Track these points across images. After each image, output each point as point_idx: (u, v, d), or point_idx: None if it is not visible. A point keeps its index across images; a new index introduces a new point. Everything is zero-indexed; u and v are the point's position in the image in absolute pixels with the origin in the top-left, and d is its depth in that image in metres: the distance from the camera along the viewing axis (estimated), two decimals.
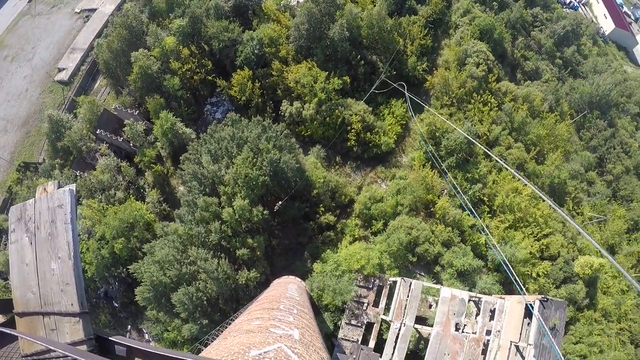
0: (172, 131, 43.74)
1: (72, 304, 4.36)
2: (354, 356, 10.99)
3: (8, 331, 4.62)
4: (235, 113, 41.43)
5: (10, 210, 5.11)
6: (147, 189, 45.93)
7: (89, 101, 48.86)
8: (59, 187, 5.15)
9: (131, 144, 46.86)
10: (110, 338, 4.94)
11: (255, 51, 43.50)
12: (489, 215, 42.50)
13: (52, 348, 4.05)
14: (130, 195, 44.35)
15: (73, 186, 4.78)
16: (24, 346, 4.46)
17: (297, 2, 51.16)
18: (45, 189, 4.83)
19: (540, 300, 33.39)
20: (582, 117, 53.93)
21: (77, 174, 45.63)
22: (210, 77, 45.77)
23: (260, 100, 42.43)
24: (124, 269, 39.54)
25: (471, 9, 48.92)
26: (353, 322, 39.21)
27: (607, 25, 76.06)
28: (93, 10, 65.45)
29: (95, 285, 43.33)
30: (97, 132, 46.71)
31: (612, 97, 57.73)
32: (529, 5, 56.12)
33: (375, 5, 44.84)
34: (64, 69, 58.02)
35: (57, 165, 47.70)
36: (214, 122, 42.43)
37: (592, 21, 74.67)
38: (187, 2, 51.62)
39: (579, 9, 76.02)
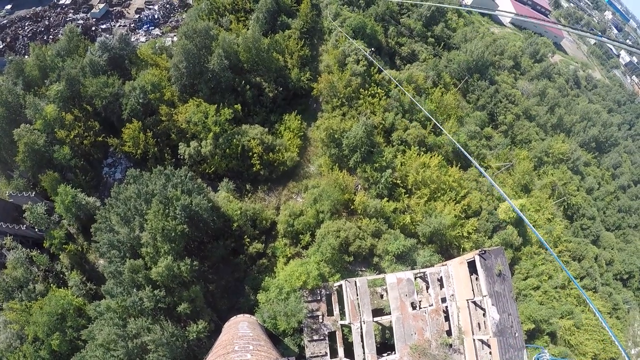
0: (74, 204, 40.86)
1: None
2: None
3: None
4: (134, 169, 39.60)
5: None
6: (66, 273, 42.06)
7: None
8: None
9: (36, 229, 42.81)
10: None
11: (140, 100, 42.15)
12: (406, 195, 45.05)
13: None
14: (51, 285, 40.39)
15: None
16: None
17: (172, 41, 50.60)
18: None
19: (478, 254, 35.60)
20: (464, 83, 59.61)
21: None
22: (100, 138, 43.43)
23: (156, 149, 41.21)
24: None
25: (340, 12, 51.96)
26: (315, 337, 39.13)
27: None
28: None
29: None
30: None
31: (486, 58, 64.51)
32: None
33: (248, 29, 45.82)
34: None
35: None
36: (116, 184, 40.34)
37: None
38: (60, 64, 48.86)
39: None
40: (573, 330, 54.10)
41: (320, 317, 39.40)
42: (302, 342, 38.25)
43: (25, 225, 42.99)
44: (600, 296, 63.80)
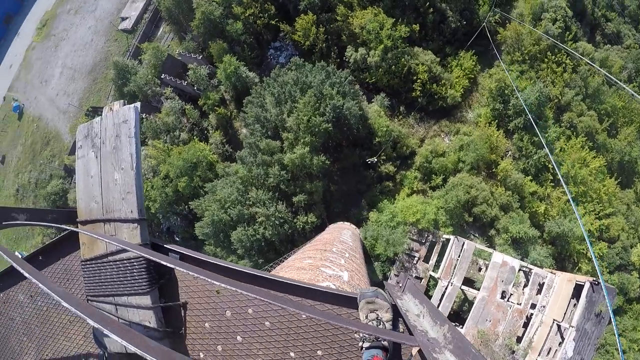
0: (235, 75, 43.86)
1: (131, 211, 4.48)
2: (400, 284, 11.23)
3: (79, 231, 4.70)
4: (299, 58, 40.96)
5: (78, 129, 5.09)
6: (210, 131, 46.37)
7: (153, 47, 49.12)
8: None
9: (195, 88, 47.21)
10: (165, 245, 4.92)
11: None
12: (551, 184, 40.81)
13: (125, 247, 4.18)
14: (194, 137, 45.09)
15: (138, 104, 4.80)
16: (84, 251, 4.64)
17: None
18: (111, 108, 4.85)
19: (591, 283, 32.41)
20: None
21: (144, 116, 46.84)
22: (273, 22, 45.12)
23: (324, 45, 41.81)
24: (186, 206, 41.05)
25: None
26: (402, 274, 39.62)
27: None
28: None
29: (159, 221, 45.44)
30: (162, 76, 47.11)
31: None
32: None
33: None
34: (126, 18, 58.49)
35: None
36: (277, 67, 42.24)
37: None
38: None
39: None
40: None
41: (416, 259, 39.05)
42: (389, 272, 38.53)
43: (186, 82, 47.36)
44: None
